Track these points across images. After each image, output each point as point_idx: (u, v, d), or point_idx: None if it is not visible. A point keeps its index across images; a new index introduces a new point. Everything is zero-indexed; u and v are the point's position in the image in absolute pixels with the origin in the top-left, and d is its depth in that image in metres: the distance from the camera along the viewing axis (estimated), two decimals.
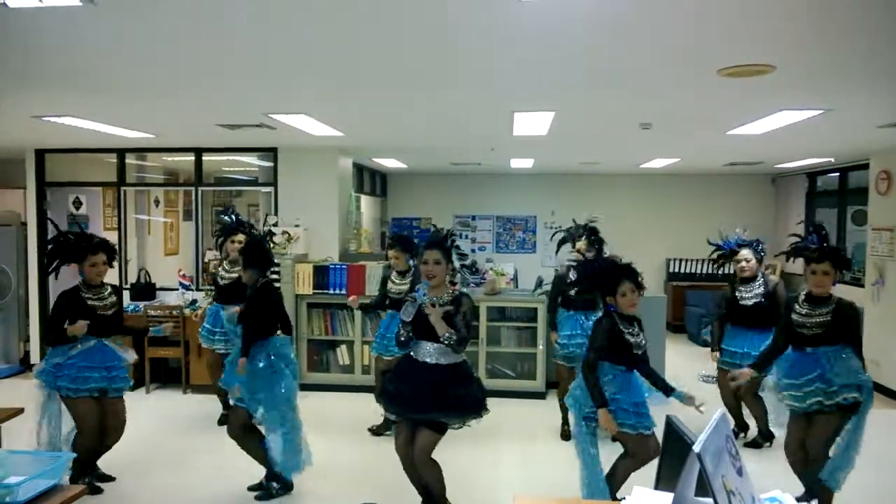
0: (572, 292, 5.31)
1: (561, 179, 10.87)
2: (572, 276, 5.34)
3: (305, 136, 6.23)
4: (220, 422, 5.86)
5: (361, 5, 2.70)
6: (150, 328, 5.08)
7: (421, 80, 4.03)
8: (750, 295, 5.15)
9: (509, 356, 6.86)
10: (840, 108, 4.68)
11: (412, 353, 3.78)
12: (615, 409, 3.67)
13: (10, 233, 7.71)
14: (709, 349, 5.69)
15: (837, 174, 8.92)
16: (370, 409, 5.28)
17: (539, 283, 6.82)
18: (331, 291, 6.77)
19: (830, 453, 3.82)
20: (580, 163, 9.29)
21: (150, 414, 6.11)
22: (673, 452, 1.83)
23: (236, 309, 5.38)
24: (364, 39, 3.18)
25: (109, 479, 4.56)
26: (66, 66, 3.67)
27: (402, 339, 3.78)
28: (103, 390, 4.35)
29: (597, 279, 3.96)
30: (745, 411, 5.44)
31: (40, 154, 7.67)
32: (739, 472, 1.58)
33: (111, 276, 4.72)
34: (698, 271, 10.59)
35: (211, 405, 6.08)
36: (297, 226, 7.10)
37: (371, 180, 10.24)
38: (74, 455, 3.80)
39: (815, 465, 3.83)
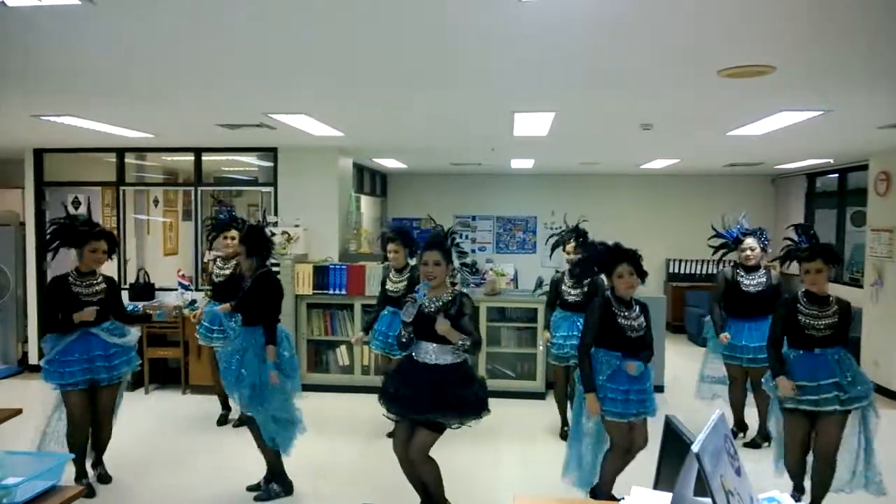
0: (569, 296, 5.32)
1: (561, 180, 10.87)
2: (567, 280, 5.36)
3: (305, 136, 6.23)
4: (220, 422, 5.87)
5: (361, 5, 2.70)
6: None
7: (420, 80, 4.02)
8: (754, 283, 5.18)
9: (509, 356, 6.86)
10: (840, 109, 4.68)
11: (413, 354, 3.77)
12: (602, 397, 3.75)
13: (8, 233, 7.70)
14: (707, 350, 5.70)
15: (837, 175, 8.93)
16: (370, 410, 5.26)
17: (539, 284, 6.83)
18: (331, 292, 6.77)
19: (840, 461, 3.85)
20: (580, 163, 9.29)
21: (149, 414, 6.12)
22: (671, 452, 1.83)
23: (226, 306, 5.40)
24: (363, 39, 3.17)
25: (107, 480, 4.54)
26: (65, 65, 3.66)
27: (404, 340, 3.77)
28: (92, 382, 4.31)
29: (595, 259, 4.05)
30: (745, 412, 5.45)
31: (39, 154, 7.66)
32: (738, 471, 1.58)
33: (111, 276, 4.69)
34: (698, 272, 10.62)
35: (210, 405, 6.08)
36: (296, 226, 7.10)
37: (371, 180, 10.24)
38: (72, 456, 3.79)
39: (826, 469, 3.84)
